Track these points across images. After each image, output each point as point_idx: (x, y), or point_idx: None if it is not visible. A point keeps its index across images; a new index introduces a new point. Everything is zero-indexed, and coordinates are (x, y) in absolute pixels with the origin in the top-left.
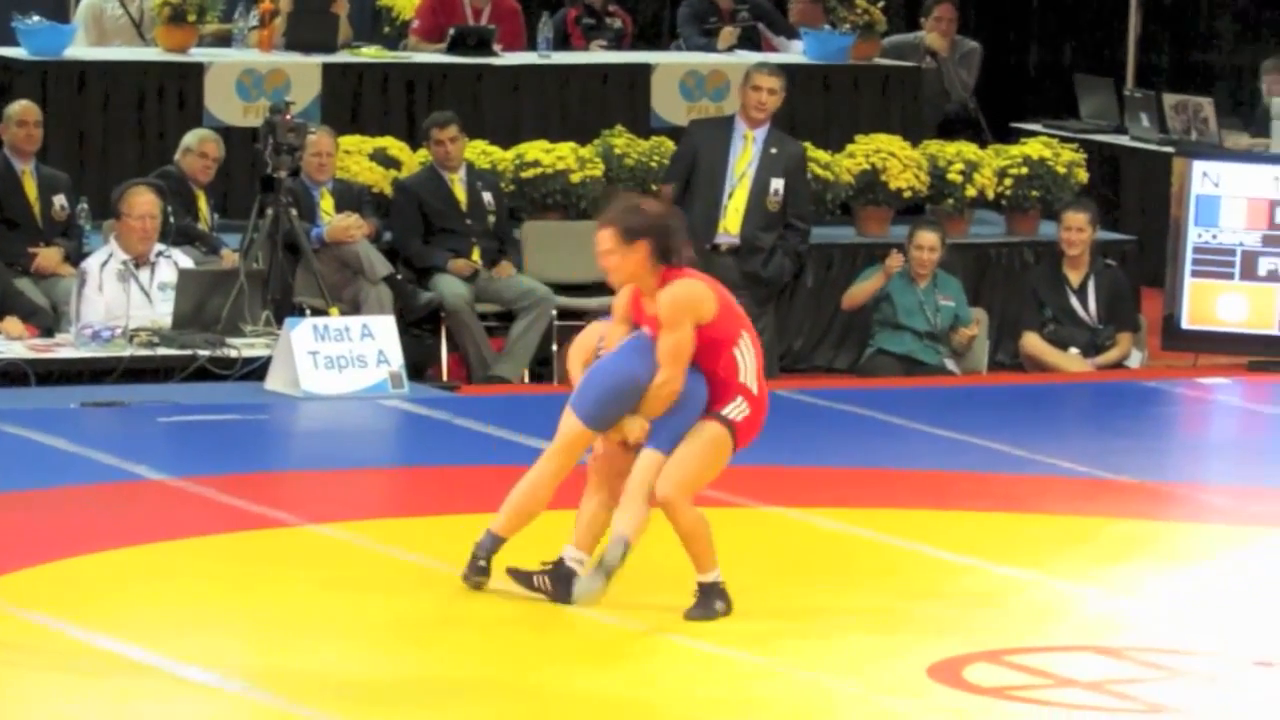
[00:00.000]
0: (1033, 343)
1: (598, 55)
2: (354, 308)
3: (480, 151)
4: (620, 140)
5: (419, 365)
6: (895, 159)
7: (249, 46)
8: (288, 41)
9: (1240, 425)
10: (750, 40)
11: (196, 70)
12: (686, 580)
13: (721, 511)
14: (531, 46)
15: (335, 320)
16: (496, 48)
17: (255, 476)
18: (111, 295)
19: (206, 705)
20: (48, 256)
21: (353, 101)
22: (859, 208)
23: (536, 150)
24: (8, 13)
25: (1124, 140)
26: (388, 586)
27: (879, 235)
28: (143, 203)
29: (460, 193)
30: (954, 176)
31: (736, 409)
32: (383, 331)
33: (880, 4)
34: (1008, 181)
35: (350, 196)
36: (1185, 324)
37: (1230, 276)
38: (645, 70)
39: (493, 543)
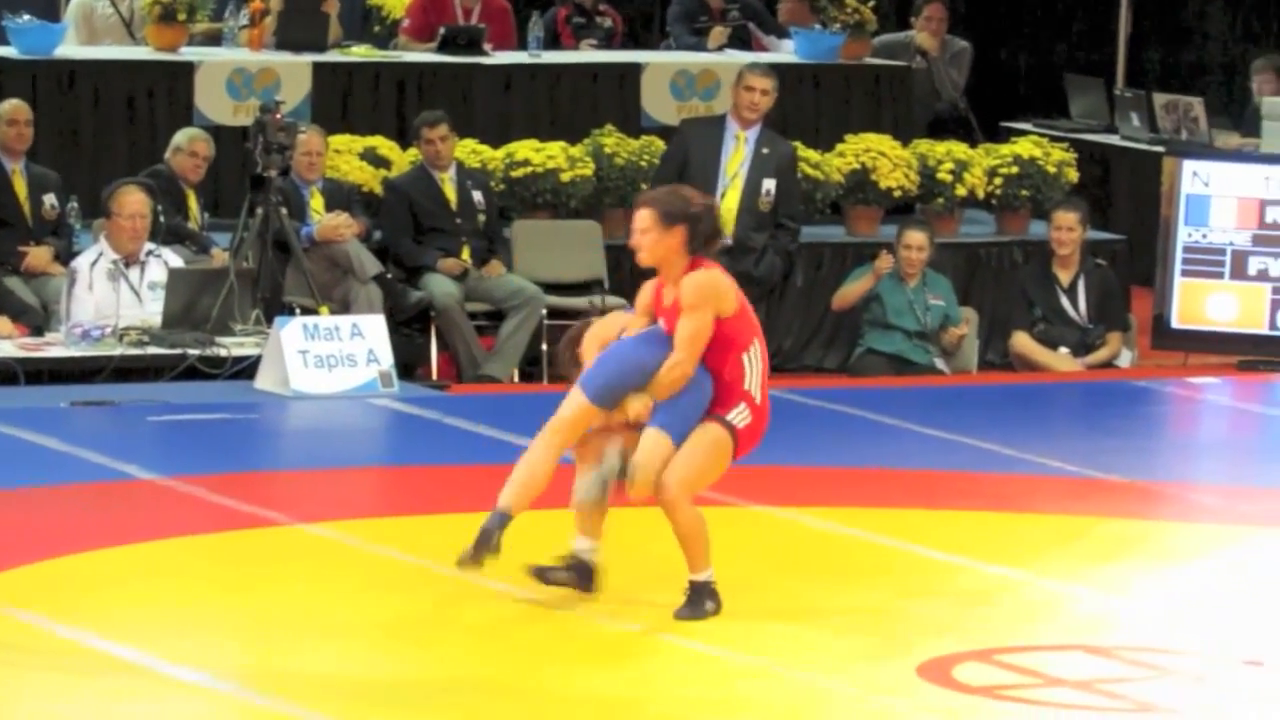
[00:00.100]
0: (1023, 342)
1: (588, 54)
2: (344, 307)
3: (470, 151)
4: (610, 139)
5: (409, 364)
6: (885, 158)
7: (239, 45)
8: (278, 41)
9: (1230, 425)
10: (740, 39)
11: (187, 69)
12: (679, 579)
13: (712, 510)
14: (522, 46)
15: (325, 319)
16: (487, 47)
17: (245, 476)
18: (101, 294)
19: (197, 705)
20: (38, 255)
21: (343, 101)
22: (849, 207)
23: (527, 149)
24: None
25: (1114, 140)
26: (378, 586)
27: (869, 235)
28: (133, 202)
29: (450, 192)
30: (944, 176)
31: (739, 415)
32: (372, 331)
33: (870, 3)
34: (998, 181)
35: (340, 195)
36: (1175, 323)
37: (1220, 276)
38: (635, 69)
39: (501, 520)
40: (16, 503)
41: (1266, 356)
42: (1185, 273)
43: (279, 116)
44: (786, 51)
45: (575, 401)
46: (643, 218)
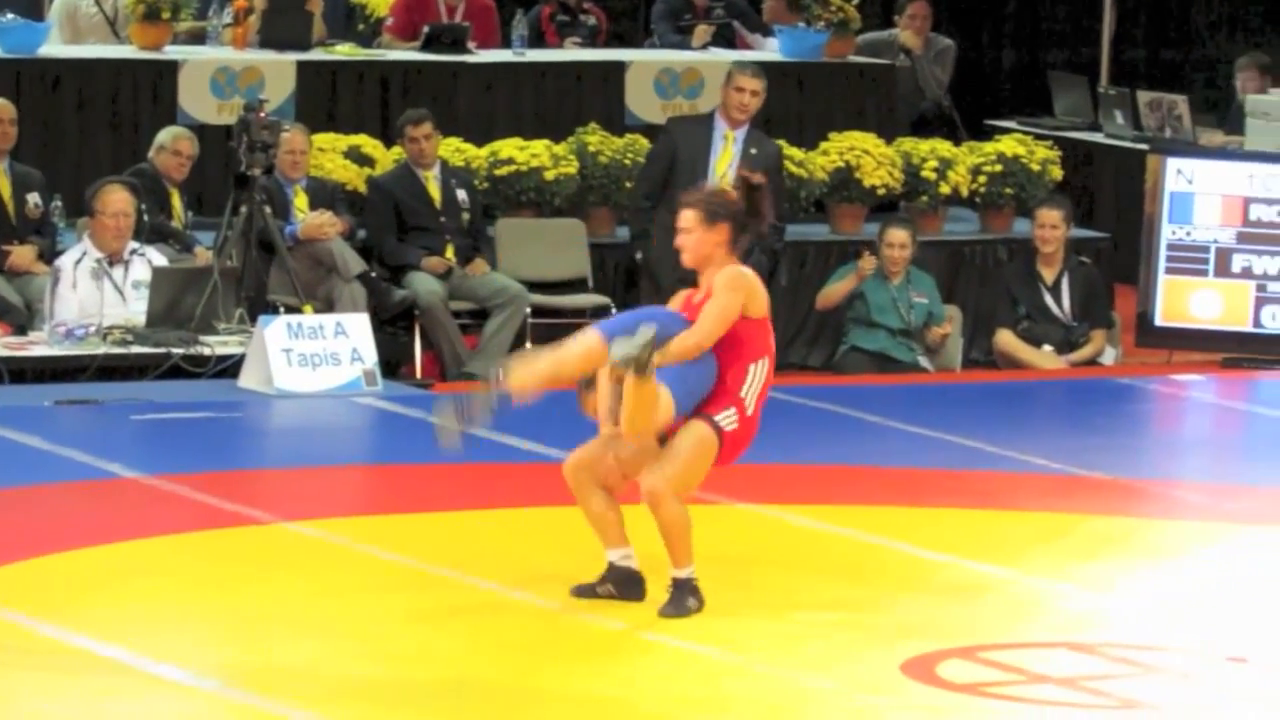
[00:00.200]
0: (1007, 340)
1: (572, 53)
2: (328, 305)
3: (454, 149)
4: (594, 138)
5: (393, 363)
6: (869, 156)
7: (223, 44)
8: (262, 39)
9: (1214, 422)
10: (725, 38)
11: (171, 68)
12: (664, 577)
13: (697, 508)
14: (506, 44)
15: (309, 318)
16: (471, 45)
17: (229, 474)
18: (85, 293)
19: (181, 703)
20: (21, 254)
21: (327, 99)
22: (833, 205)
23: (510, 148)
24: None
25: (1098, 137)
26: (361, 584)
27: (853, 233)
28: (116, 200)
29: (434, 190)
30: (928, 174)
31: (728, 419)
32: (356, 329)
33: (854, 1)
34: (982, 179)
35: (324, 194)
36: (1159, 321)
37: (1204, 273)
38: (619, 68)
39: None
40: (0, 502)
41: (1250, 354)
42: (1169, 270)
43: (263, 115)
44: (770, 49)
45: (586, 335)
46: (686, 218)
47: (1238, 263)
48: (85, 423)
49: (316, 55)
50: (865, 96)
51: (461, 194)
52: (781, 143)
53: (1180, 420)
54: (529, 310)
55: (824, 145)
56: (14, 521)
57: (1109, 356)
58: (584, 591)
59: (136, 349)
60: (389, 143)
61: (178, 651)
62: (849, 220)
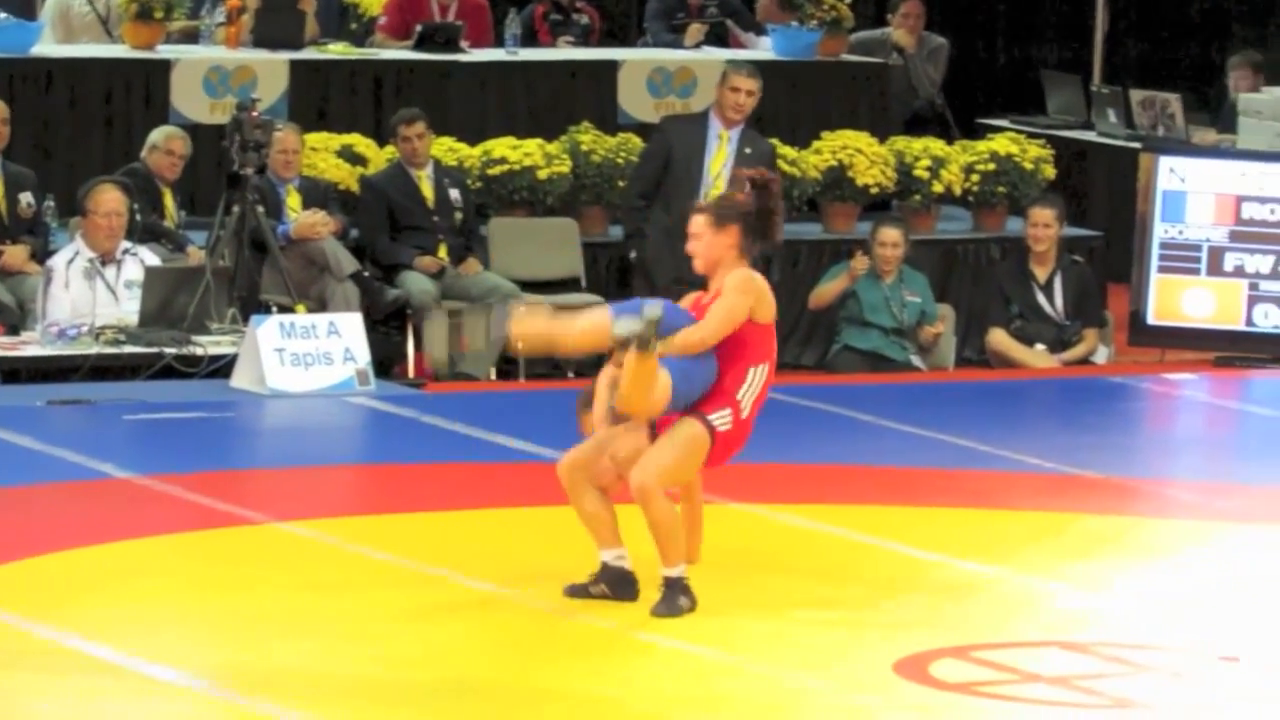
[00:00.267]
0: (999, 339)
1: (565, 52)
2: (320, 305)
3: (447, 148)
4: (587, 137)
5: (385, 362)
6: (862, 155)
7: (216, 43)
8: (255, 38)
9: (1206, 421)
10: (718, 36)
11: (163, 67)
12: (657, 577)
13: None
14: (499, 43)
15: (302, 317)
16: (463, 44)
17: (221, 474)
18: (77, 293)
19: (172, 704)
20: (14, 254)
21: (320, 98)
22: (826, 204)
23: (503, 147)
24: None
25: (1091, 136)
26: (354, 584)
27: (846, 231)
28: (109, 200)
29: (427, 190)
30: (921, 173)
31: (722, 419)
32: (349, 329)
33: (847, 0)
34: (974, 178)
35: (317, 193)
36: (1151, 320)
37: (1196, 272)
38: (612, 67)
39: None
40: None
41: (1243, 353)
42: (1162, 269)
43: (255, 114)
44: (763, 48)
45: (595, 312)
46: (696, 223)
47: (1230, 261)
48: (78, 423)
49: (309, 54)
50: (858, 95)
51: (454, 193)
52: (774, 141)
53: (1173, 419)
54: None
55: (817, 144)
56: (7, 522)
57: (1102, 355)
58: (577, 591)
59: (129, 349)
60: (382, 142)
61: (170, 652)
62: (842, 219)
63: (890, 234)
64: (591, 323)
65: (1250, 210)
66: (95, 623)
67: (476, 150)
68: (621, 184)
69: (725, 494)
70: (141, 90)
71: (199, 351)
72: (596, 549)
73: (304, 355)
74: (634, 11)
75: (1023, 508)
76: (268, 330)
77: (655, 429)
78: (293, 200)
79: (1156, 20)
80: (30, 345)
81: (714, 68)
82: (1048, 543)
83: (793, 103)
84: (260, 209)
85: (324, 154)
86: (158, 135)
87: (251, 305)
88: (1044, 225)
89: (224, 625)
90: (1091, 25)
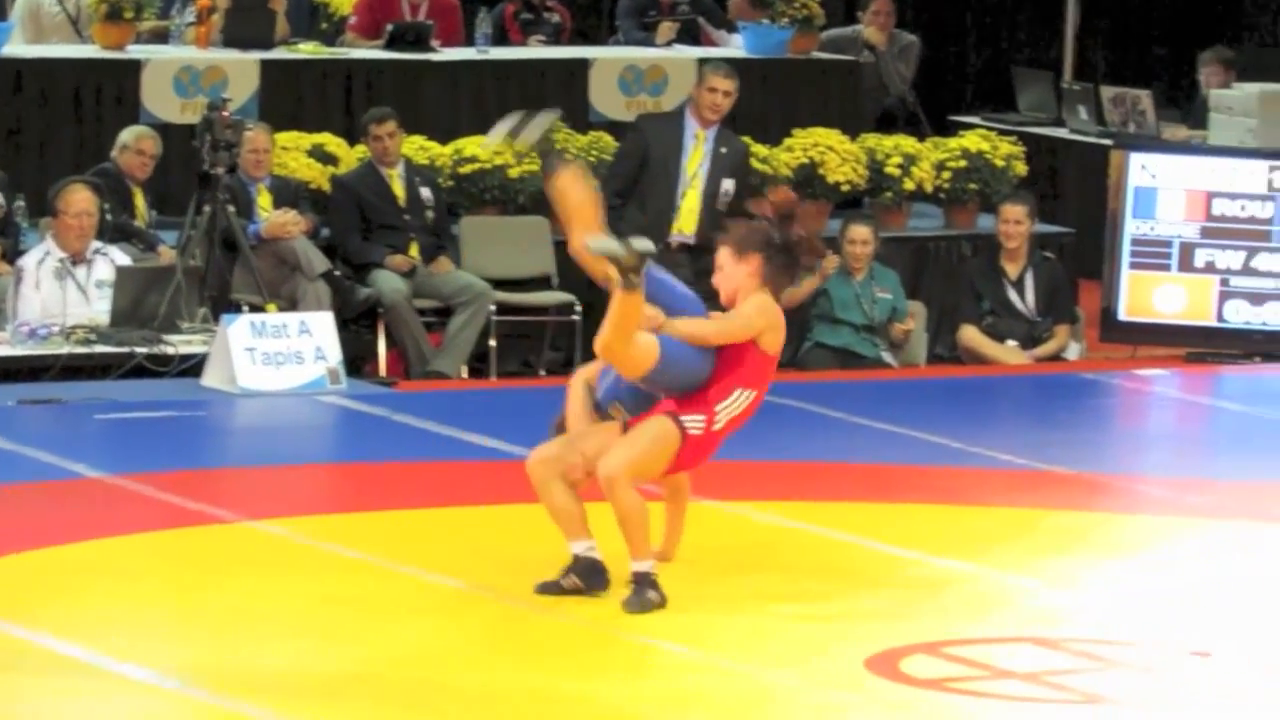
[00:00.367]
0: (971, 335)
1: (536, 50)
2: (292, 304)
3: (418, 147)
4: (559, 135)
5: (357, 361)
6: (833, 152)
7: (186, 43)
8: (225, 38)
9: (1178, 417)
10: (689, 34)
11: (134, 67)
12: (627, 573)
13: (660, 506)
14: (469, 42)
15: (273, 316)
16: (434, 43)
17: (193, 473)
18: (48, 293)
19: (143, 702)
20: None
21: (291, 98)
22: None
23: (474, 146)
24: None
25: (1062, 133)
26: (325, 582)
27: (817, 229)
28: (79, 200)
29: (398, 188)
30: (892, 170)
31: (695, 424)
32: (320, 328)
33: None
34: (946, 174)
35: (288, 193)
36: (1123, 316)
37: (1167, 268)
38: (583, 65)
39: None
40: None
41: (1214, 348)
42: (1133, 265)
43: (226, 114)
44: (735, 46)
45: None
46: (719, 255)
47: (1201, 257)
48: (49, 422)
49: (280, 54)
50: (829, 93)
51: (425, 192)
52: (746, 139)
53: (1144, 415)
54: (493, 308)
55: (788, 141)
56: None
57: (1073, 351)
58: (549, 588)
59: (100, 348)
60: (353, 141)
61: (141, 651)
62: (813, 216)
63: (860, 231)
64: (608, 240)
65: (1221, 206)
66: (66, 622)
67: (448, 149)
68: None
69: (696, 491)
70: (112, 90)
71: (170, 351)
72: (566, 541)
73: (275, 354)
74: (605, 9)
75: (994, 504)
76: (239, 329)
77: (626, 429)
78: (264, 200)
79: (1127, 17)
80: (1, 345)
81: (685, 66)
82: (1019, 539)
83: (764, 100)
84: (231, 208)
85: (295, 153)
86: (128, 135)
87: (222, 304)
88: (1015, 222)
89: (195, 624)
90: (1062, 22)
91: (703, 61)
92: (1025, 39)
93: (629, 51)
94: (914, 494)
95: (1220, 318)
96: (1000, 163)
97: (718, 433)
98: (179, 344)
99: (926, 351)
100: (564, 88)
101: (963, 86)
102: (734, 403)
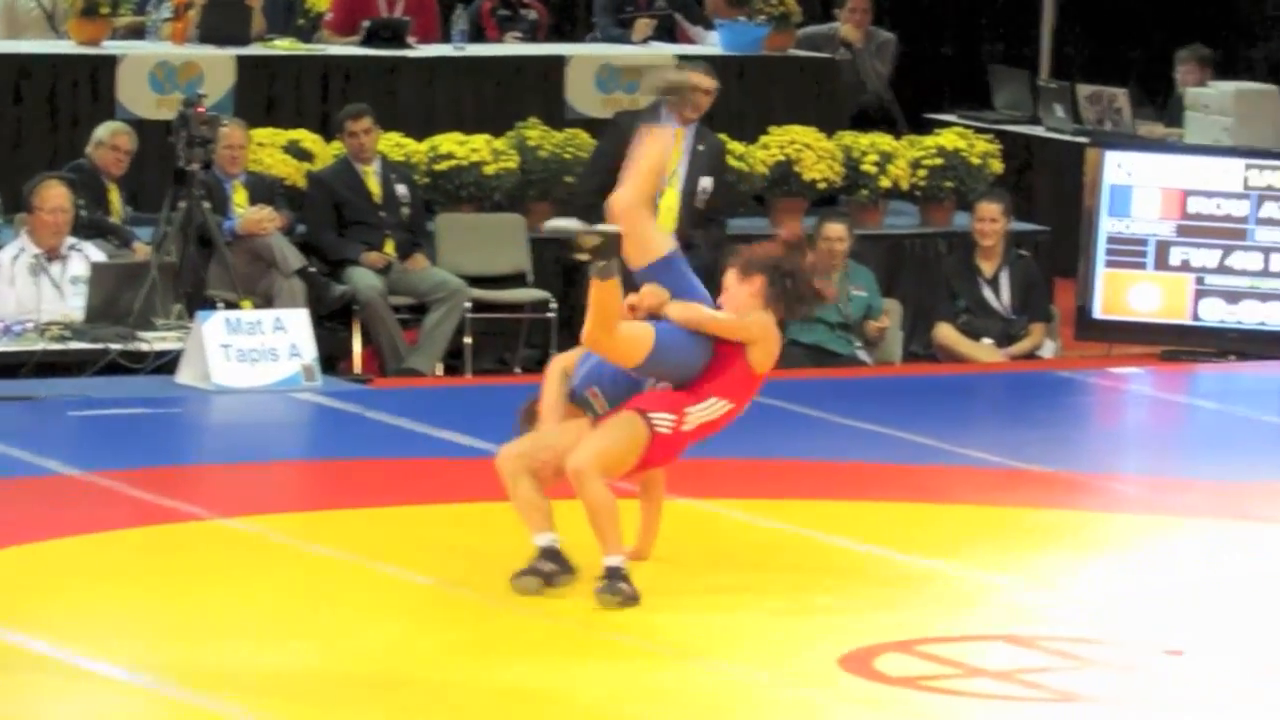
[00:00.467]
0: (946, 333)
1: (512, 47)
2: (267, 301)
3: (394, 144)
4: (535, 132)
5: (332, 358)
6: (810, 150)
7: (162, 39)
8: (201, 34)
9: (1153, 415)
10: (666, 30)
11: (109, 63)
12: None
13: (632, 503)
14: (446, 38)
15: (247, 313)
16: (411, 40)
17: (167, 470)
18: (23, 289)
19: (116, 699)
20: None
21: (267, 94)
22: (773, 199)
23: (450, 142)
24: None
25: (1038, 131)
26: (300, 580)
27: (793, 226)
28: (54, 196)
29: (374, 185)
30: (868, 167)
31: (663, 422)
32: (295, 324)
33: None
34: (922, 172)
35: (263, 189)
36: (1098, 314)
37: (1143, 266)
38: (560, 62)
39: None
40: None
41: (1189, 347)
42: (1108, 263)
43: (202, 110)
44: (711, 43)
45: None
46: (726, 277)
47: (1176, 255)
48: (23, 419)
49: (256, 50)
50: (805, 90)
51: (401, 189)
52: (722, 136)
53: (1119, 413)
54: (468, 305)
55: (764, 139)
56: None
57: (1048, 349)
58: (525, 574)
59: (74, 345)
60: (328, 137)
61: (114, 648)
62: (789, 214)
63: (835, 229)
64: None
65: (1197, 205)
66: (39, 619)
67: (423, 146)
68: (569, 180)
69: (669, 489)
70: (88, 86)
71: (145, 347)
72: (530, 535)
73: (250, 351)
74: (581, 7)
75: (969, 502)
76: (213, 326)
77: (600, 419)
78: (239, 196)
79: (1104, 15)
80: None
81: (662, 62)
82: (994, 537)
83: (740, 98)
84: (206, 205)
85: (270, 149)
86: (103, 131)
87: (197, 301)
88: (990, 220)
89: (169, 621)
90: (1039, 20)
91: (680, 59)
92: (1001, 36)
93: (605, 49)
94: (888, 492)
95: (1195, 316)
96: (976, 161)
97: (686, 434)
98: (154, 340)
99: (902, 349)
100: (540, 84)
101: (939, 84)
102: (707, 409)
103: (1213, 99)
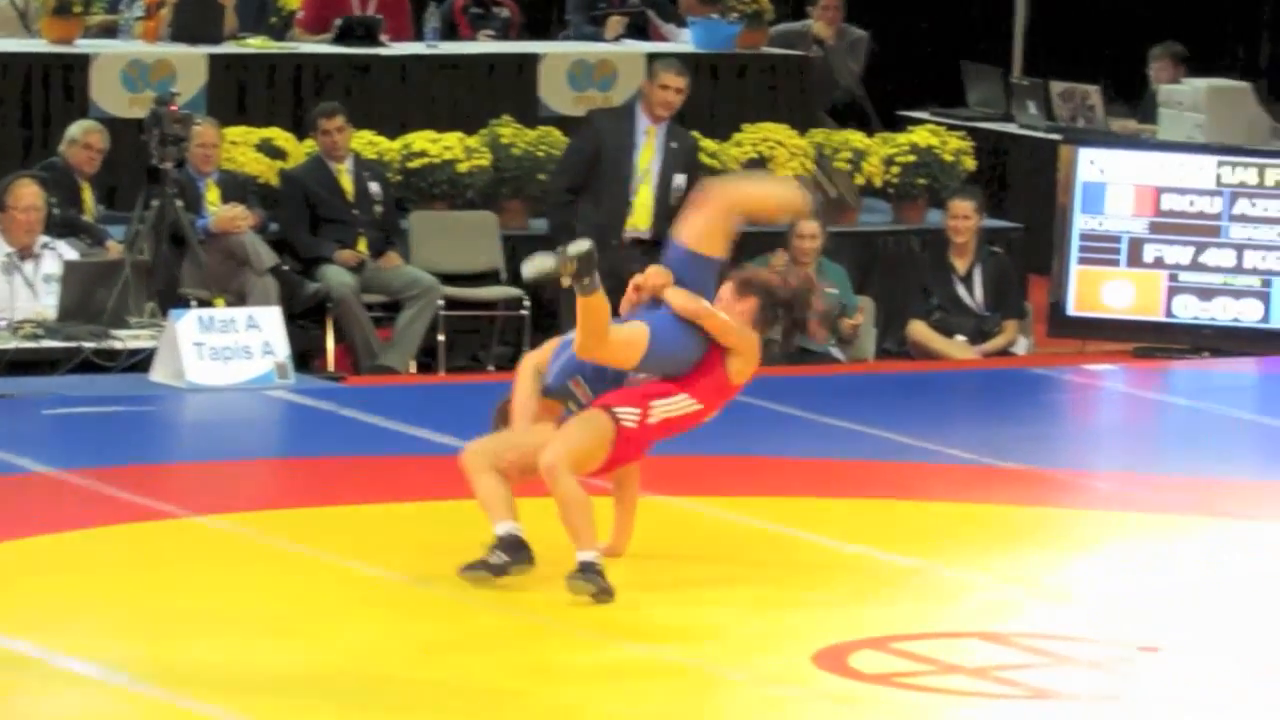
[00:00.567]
0: (919, 330)
1: (485, 45)
2: (240, 299)
3: (367, 142)
4: (507, 130)
5: (305, 356)
6: (783, 147)
7: (134, 38)
8: (174, 32)
9: (1126, 412)
10: (639, 28)
11: (82, 61)
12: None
13: (608, 500)
14: (419, 37)
15: (221, 311)
16: (383, 38)
17: (141, 468)
18: None
19: (90, 698)
20: None
21: (239, 92)
22: None
23: (423, 140)
24: None
25: (1011, 128)
26: (273, 578)
27: (767, 224)
28: (27, 194)
29: (347, 183)
30: (841, 165)
31: (628, 416)
32: (268, 322)
33: None
34: (895, 170)
35: (236, 187)
36: (1071, 311)
37: (1116, 263)
38: (533, 60)
39: None
40: None
41: (1162, 343)
42: (1082, 260)
43: (175, 108)
44: (684, 40)
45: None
46: (723, 288)
47: (1150, 253)
48: None
49: (228, 48)
50: (778, 88)
51: (374, 186)
52: (695, 134)
53: (1092, 410)
54: (441, 303)
55: (737, 137)
56: None
57: (1021, 346)
58: (475, 567)
59: (47, 343)
60: (301, 136)
61: (88, 646)
62: None
63: (809, 226)
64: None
65: (1170, 202)
66: (14, 616)
67: (396, 144)
68: (542, 177)
69: (643, 486)
70: (60, 84)
71: (118, 346)
72: (490, 524)
73: (223, 349)
74: (555, 4)
75: (942, 499)
76: (187, 324)
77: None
78: (212, 194)
79: (1077, 11)
80: None
81: (635, 60)
82: (967, 534)
83: (713, 95)
84: (179, 203)
85: (243, 148)
86: (76, 129)
87: (170, 299)
88: (963, 217)
89: (143, 619)
90: (1012, 17)
91: (653, 57)
92: (975, 33)
93: (578, 47)
94: (862, 489)
95: (1169, 313)
96: (949, 158)
97: (652, 428)
98: (127, 339)
99: (875, 346)
100: (513, 82)
101: (912, 81)
102: (673, 404)
103: (1186, 96)
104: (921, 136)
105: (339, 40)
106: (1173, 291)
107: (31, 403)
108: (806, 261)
